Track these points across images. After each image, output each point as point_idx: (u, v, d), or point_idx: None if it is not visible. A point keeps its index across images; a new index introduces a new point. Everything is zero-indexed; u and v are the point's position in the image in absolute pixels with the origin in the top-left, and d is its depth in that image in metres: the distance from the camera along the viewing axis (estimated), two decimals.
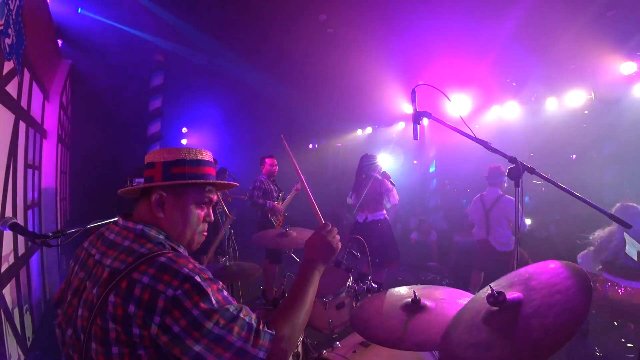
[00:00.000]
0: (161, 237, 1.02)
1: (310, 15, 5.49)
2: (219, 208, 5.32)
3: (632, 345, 3.19)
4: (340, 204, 7.60)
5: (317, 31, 5.84)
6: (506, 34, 5.16)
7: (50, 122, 4.23)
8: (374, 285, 2.07)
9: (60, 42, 4.81)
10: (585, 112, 6.47)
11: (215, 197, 1.13)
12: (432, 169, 8.84)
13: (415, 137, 1.77)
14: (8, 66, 2.46)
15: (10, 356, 2.37)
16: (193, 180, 1.06)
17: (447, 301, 1.48)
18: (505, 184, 4.04)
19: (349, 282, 2.20)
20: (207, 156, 1.12)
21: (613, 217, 1.50)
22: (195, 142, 9.70)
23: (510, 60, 5.96)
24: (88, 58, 5.56)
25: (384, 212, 4.33)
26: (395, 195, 4.23)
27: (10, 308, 2.52)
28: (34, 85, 3.44)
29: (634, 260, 2.90)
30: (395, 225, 6.73)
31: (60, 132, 4.44)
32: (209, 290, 0.88)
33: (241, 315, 0.90)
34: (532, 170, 1.53)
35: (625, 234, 3.00)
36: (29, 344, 2.94)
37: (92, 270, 0.97)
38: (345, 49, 6.05)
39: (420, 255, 6.40)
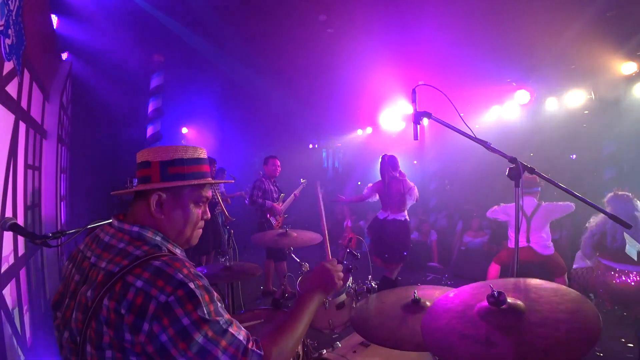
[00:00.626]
0: (158, 238, 1.00)
1: (310, 15, 5.49)
2: (218, 209, 5.33)
3: (632, 345, 3.19)
4: (340, 204, 7.59)
5: (317, 31, 5.85)
6: (506, 34, 5.16)
7: (50, 123, 4.21)
8: (374, 285, 2.07)
9: (59, 42, 4.82)
10: (585, 112, 6.46)
11: (210, 194, 1.13)
12: (432, 169, 8.85)
13: (415, 137, 1.77)
14: (8, 67, 2.46)
15: (10, 356, 2.37)
16: (196, 181, 1.05)
17: None
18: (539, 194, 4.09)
19: (349, 282, 2.20)
20: (203, 153, 1.11)
21: (613, 217, 1.50)
22: (195, 142, 9.70)
23: (510, 60, 5.96)
24: (88, 58, 5.56)
25: (406, 213, 4.42)
26: (416, 193, 4.37)
27: (10, 308, 2.52)
28: (34, 85, 3.44)
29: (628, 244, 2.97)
30: None
31: (60, 133, 4.43)
32: (202, 300, 0.86)
33: (230, 329, 0.88)
34: (532, 170, 1.53)
35: (625, 233, 3.03)
36: (29, 344, 2.94)
37: (87, 273, 0.96)
38: (345, 49, 6.05)
39: (420, 255, 6.40)
